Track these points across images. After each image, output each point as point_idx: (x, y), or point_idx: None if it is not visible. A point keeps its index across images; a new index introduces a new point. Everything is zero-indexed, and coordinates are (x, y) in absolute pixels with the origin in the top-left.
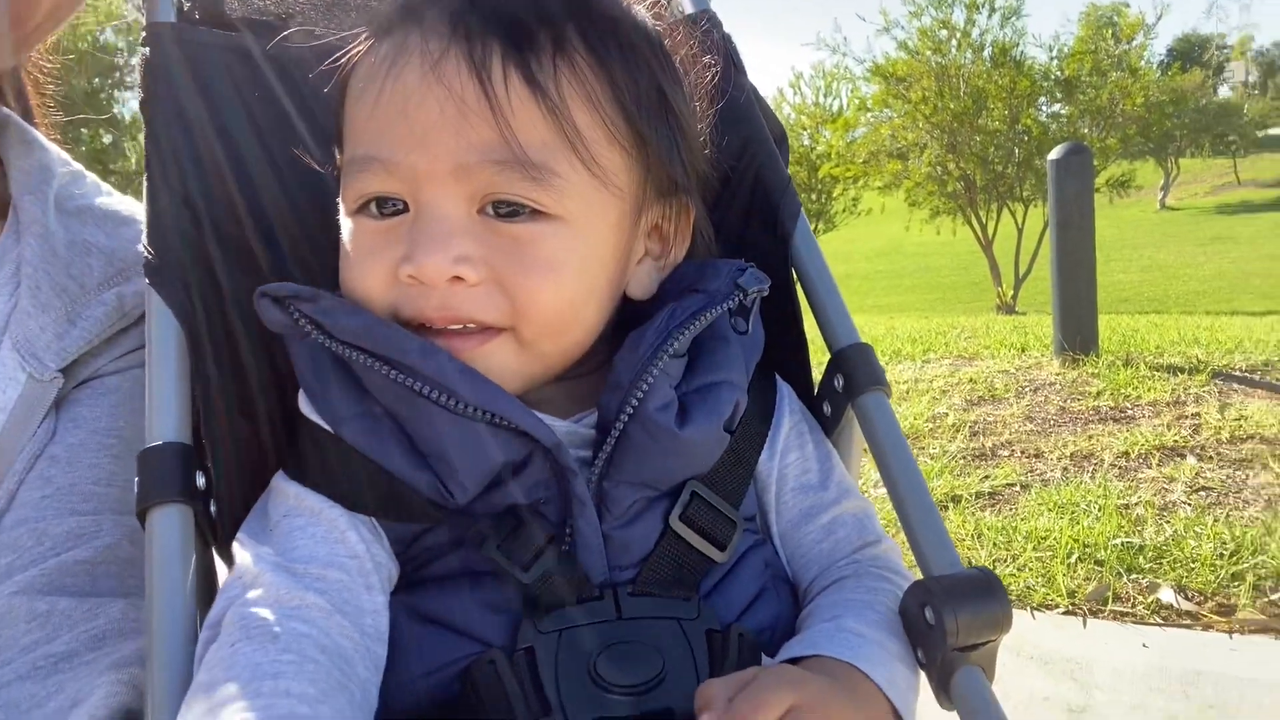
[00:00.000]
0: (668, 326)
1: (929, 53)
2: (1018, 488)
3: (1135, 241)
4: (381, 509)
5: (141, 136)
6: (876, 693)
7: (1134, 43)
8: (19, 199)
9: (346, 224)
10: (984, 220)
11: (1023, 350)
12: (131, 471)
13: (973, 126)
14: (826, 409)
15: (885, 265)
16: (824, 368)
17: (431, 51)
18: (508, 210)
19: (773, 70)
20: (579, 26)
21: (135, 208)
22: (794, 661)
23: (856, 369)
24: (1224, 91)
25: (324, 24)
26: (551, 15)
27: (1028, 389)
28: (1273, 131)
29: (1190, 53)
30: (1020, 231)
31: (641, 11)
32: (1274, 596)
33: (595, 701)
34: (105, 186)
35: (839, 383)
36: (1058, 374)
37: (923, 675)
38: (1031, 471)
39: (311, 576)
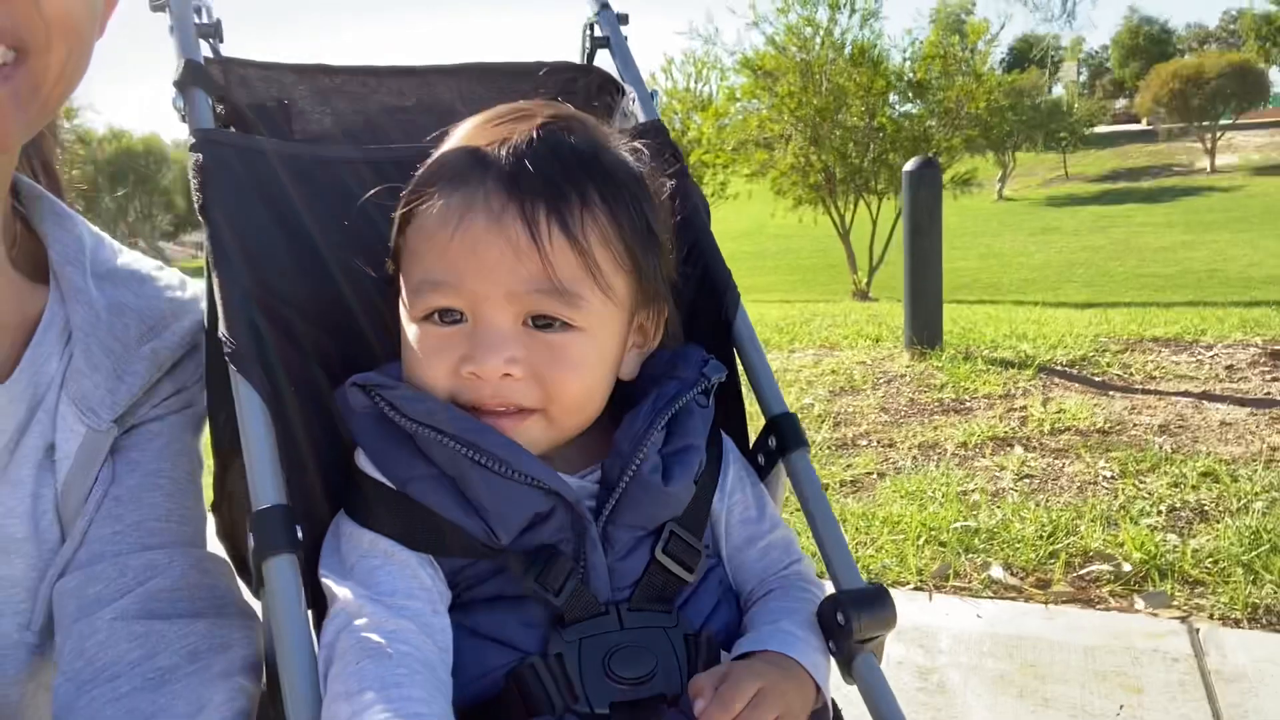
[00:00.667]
0: (654, 408)
1: (795, 49)
2: (875, 476)
3: (975, 230)
4: (440, 548)
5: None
6: (807, 676)
7: (979, 48)
8: (60, 269)
9: (412, 327)
10: (842, 211)
11: (877, 341)
12: (182, 507)
13: (833, 121)
14: (761, 459)
15: (750, 246)
16: (760, 429)
17: (494, 208)
18: (544, 323)
19: (643, 53)
20: (595, 184)
21: (148, 264)
22: (747, 655)
23: (786, 434)
24: (1057, 90)
25: (319, 108)
26: (576, 177)
27: (882, 381)
28: (1099, 130)
29: (1028, 52)
30: (874, 223)
31: (628, 154)
32: (1083, 571)
33: (609, 691)
34: (117, 245)
35: (772, 443)
36: (908, 366)
37: (833, 661)
38: (886, 460)
39: (398, 606)
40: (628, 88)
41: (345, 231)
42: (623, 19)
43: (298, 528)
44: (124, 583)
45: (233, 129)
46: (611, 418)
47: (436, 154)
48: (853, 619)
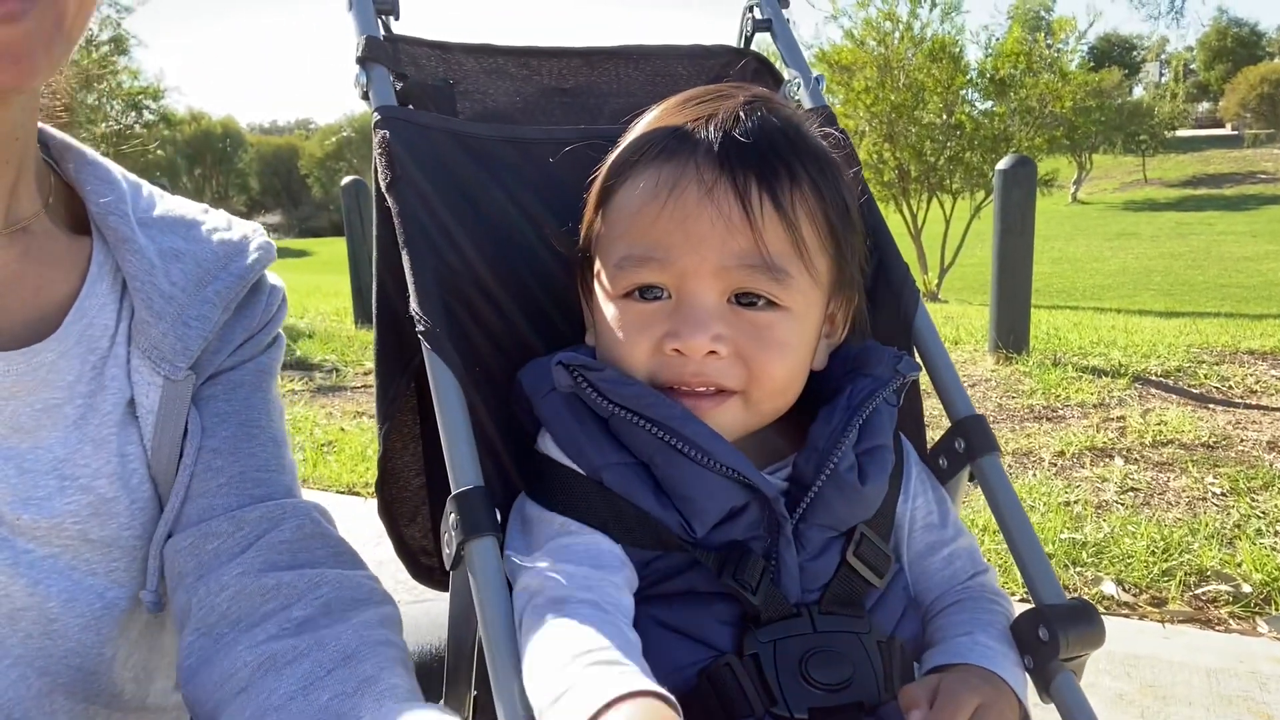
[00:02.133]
0: (850, 404)
1: (873, 43)
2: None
3: (1047, 234)
4: (632, 538)
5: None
6: (1011, 693)
7: (1065, 45)
8: (103, 220)
9: (610, 306)
10: (914, 209)
11: (956, 343)
12: (279, 456)
13: (910, 118)
14: (942, 463)
15: None
16: (944, 431)
17: (706, 181)
18: (748, 301)
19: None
20: (800, 162)
21: (192, 208)
22: (940, 668)
23: (975, 436)
24: (1138, 91)
25: (483, 88)
26: (784, 154)
27: (967, 384)
28: (1181, 133)
29: (1111, 52)
30: (948, 223)
31: (819, 137)
32: (1199, 591)
33: (807, 696)
34: (155, 190)
35: (959, 445)
36: (993, 370)
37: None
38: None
39: (592, 581)
40: (790, 73)
41: (527, 211)
42: (784, 1)
43: (496, 510)
44: (242, 536)
45: (410, 107)
46: (793, 415)
47: (634, 134)
48: (1059, 635)
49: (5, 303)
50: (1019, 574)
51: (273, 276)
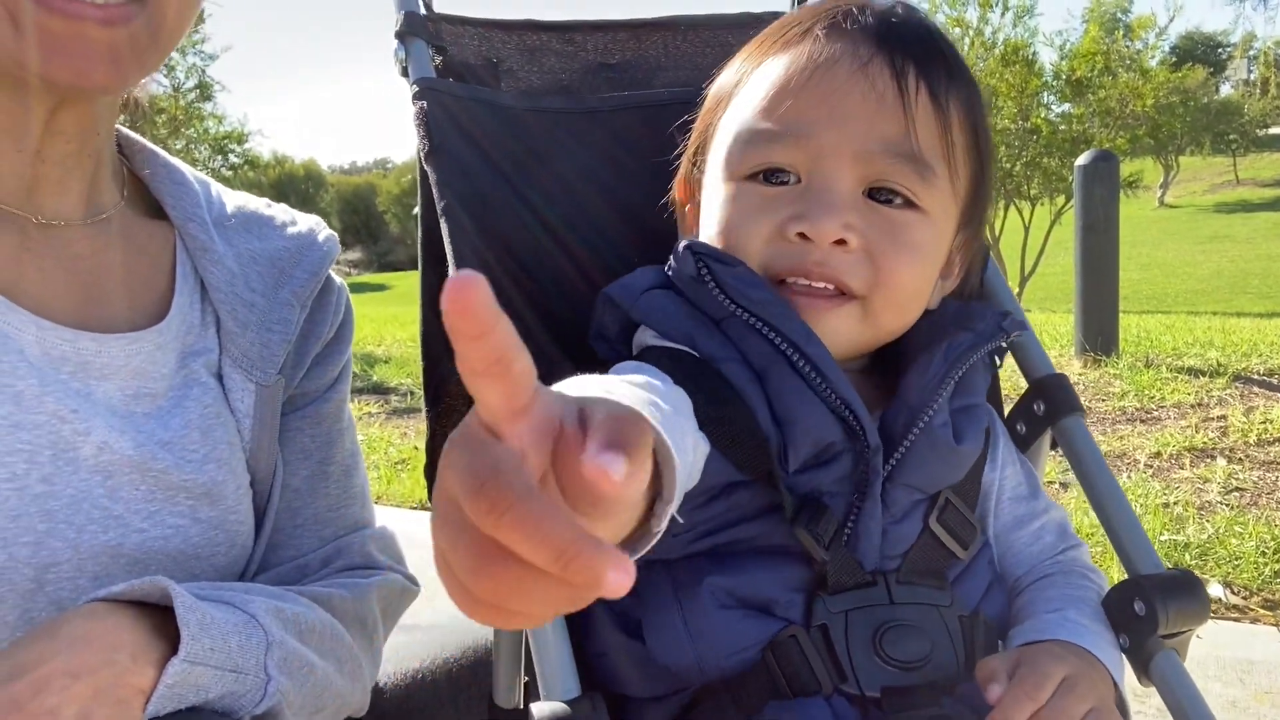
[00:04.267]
0: (947, 358)
1: None
2: (1058, 486)
3: (1134, 239)
4: (727, 441)
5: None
6: (1106, 672)
7: (1145, 42)
8: (183, 226)
9: (726, 187)
10: (991, 218)
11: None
12: (350, 488)
13: None
14: (1021, 428)
15: None
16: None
17: (861, 56)
18: (884, 198)
19: None
20: (958, 68)
21: (258, 203)
22: (1028, 645)
23: (1057, 396)
24: (1225, 89)
25: (526, 66)
26: (941, 48)
27: None
28: (1273, 130)
29: (1194, 50)
30: (1027, 230)
31: None
32: None
33: (880, 673)
34: (221, 187)
35: (1039, 408)
36: (1080, 374)
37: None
38: (1069, 470)
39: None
40: None
41: (561, 181)
42: None
43: None
44: (309, 579)
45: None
46: (884, 374)
47: (760, 35)
48: (1158, 609)
49: (96, 290)
50: (1110, 545)
51: (335, 275)
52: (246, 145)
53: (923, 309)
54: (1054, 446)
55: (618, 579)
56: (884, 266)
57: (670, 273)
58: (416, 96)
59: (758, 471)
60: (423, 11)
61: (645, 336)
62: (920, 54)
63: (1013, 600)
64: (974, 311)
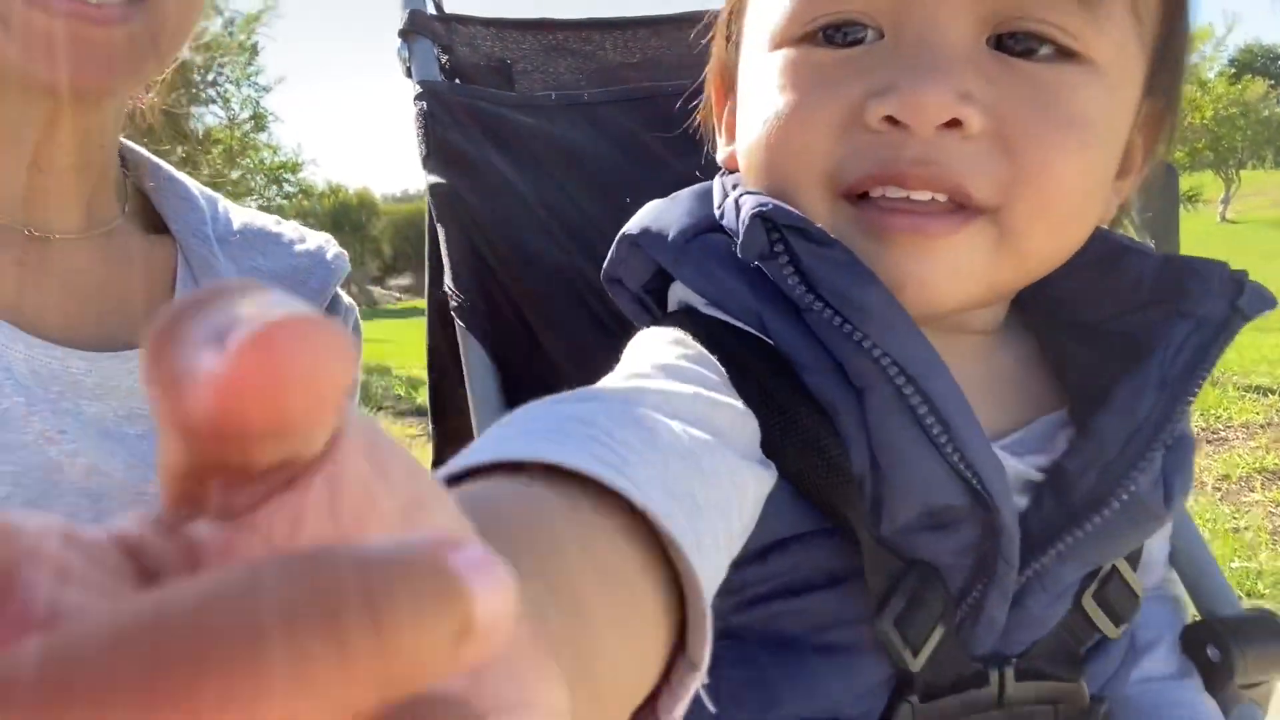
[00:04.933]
0: (1164, 376)
1: None
2: None
3: (1195, 254)
4: (799, 463)
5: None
6: None
7: (1202, 55)
8: (185, 241)
9: (774, 59)
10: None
11: None
12: None
13: None
14: None
15: None
16: None
17: None
18: (1023, 47)
19: None
20: None
21: (266, 219)
22: None
23: None
24: None
25: (542, 67)
26: None
27: None
28: None
29: (1253, 63)
30: None
31: None
32: None
33: None
34: (229, 203)
35: None
36: None
37: None
38: None
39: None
40: None
41: (576, 186)
42: None
43: None
44: None
45: (458, 82)
46: (1037, 334)
47: None
48: (1235, 655)
49: (92, 306)
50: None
51: (344, 294)
52: (301, 175)
53: (1091, 228)
54: None
55: (493, 596)
56: (1030, 155)
57: (721, 219)
58: (418, 98)
59: (838, 518)
60: (431, 11)
61: (697, 302)
62: None
63: None
64: (1188, 278)
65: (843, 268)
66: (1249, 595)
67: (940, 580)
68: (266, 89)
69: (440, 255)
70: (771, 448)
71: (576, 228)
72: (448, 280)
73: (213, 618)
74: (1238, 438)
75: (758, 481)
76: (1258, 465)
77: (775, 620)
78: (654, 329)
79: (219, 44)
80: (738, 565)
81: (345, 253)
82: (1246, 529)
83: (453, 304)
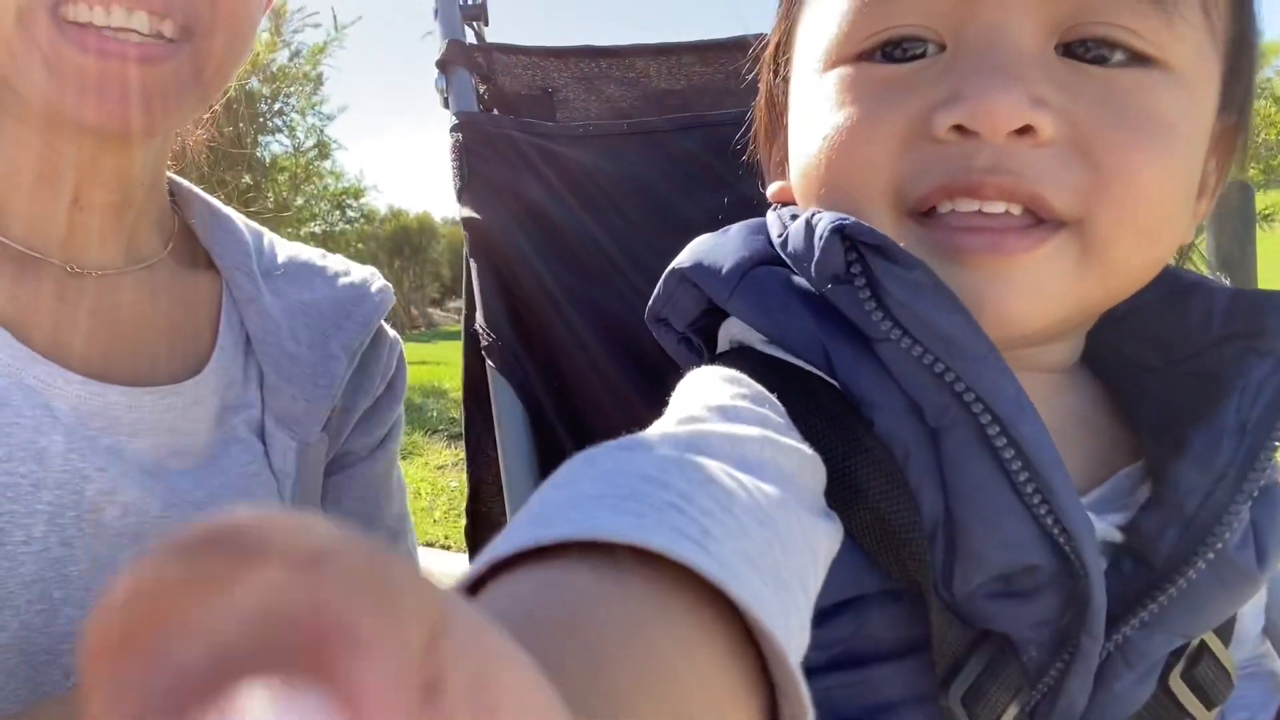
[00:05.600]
0: (1242, 423)
1: None
2: None
3: (1274, 277)
4: (860, 526)
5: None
6: None
7: (1275, 69)
8: (230, 275)
9: (829, 79)
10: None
11: None
12: (399, 551)
13: None
14: None
15: None
16: None
17: None
18: (1096, 54)
19: None
20: None
21: (312, 253)
22: None
23: None
24: None
25: (584, 96)
26: None
27: None
28: None
29: None
30: None
31: None
32: None
33: None
34: (275, 238)
35: None
36: None
37: None
38: None
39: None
40: None
41: (612, 217)
42: None
43: None
44: None
45: (495, 113)
46: (1108, 379)
47: None
48: None
49: (133, 342)
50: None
51: (389, 328)
52: (363, 200)
53: (1178, 243)
54: None
55: None
56: (1110, 162)
57: (782, 249)
58: (454, 129)
59: (905, 578)
60: (471, 40)
61: (754, 339)
62: None
63: None
64: (1265, 309)
65: (927, 292)
66: None
67: (1015, 655)
68: (330, 117)
69: (474, 291)
70: (834, 497)
71: (615, 264)
72: (479, 318)
73: None
74: None
75: (828, 538)
76: None
77: (830, 696)
78: (705, 368)
79: (285, 74)
80: (828, 621)
81: (389, 286)
82: None
83: (483, 343)
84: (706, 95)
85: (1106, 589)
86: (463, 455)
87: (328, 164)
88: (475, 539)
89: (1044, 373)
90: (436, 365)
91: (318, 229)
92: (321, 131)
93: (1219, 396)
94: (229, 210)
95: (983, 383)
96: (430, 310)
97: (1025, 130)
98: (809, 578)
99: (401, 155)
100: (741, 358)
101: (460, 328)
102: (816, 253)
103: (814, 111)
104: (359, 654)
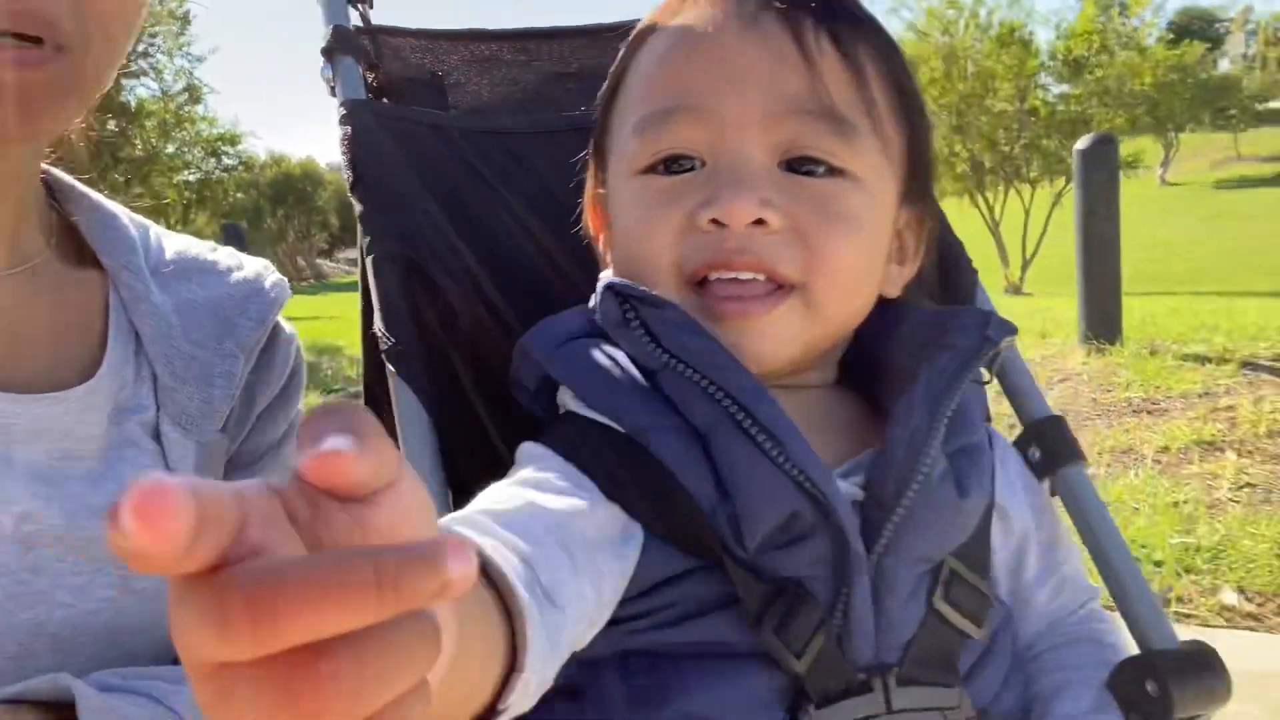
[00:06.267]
0: (930, 391)
1: (937, 33)
2: None
3: (1136, 218)
4: (666, 525)
5: (149, 123)
6: None
7: (1141, 20)
8: (116, 274)
9: (629, 186)
10: (991, 202)
11: (1044, 336)
12: None
13: (980, 107)
14: None
15: None
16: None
17: (748, 11)
18: (805, 169)
19: None
20: (867, 19)
21: (200, 247)
22: None
23: (1055, 442)
24: (1223, 65)
25: (475, 79)
26: (845, 3)
27: (1056, 379)
28: (1272, 105)
29: (1190, 26)
30: (1027, 213)
31: None
32: None
33: None
34: (160, 230)
35: (1035, 454)
36: (1084, 363)
37: None
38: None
39: (559, 519)
40: None
41: (511, 207)
42: None
43: None
44: None
45: (385, 101)
46: (860, 391)
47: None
48: (1173, 691)
49: (23, 346)
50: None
51: (286, 323)
52: (240, 146)
53: (874, 297)
54: (1052, 494)
55: (461, 566)
56: (817, 243)
57: (597, 317)
58: (342, 121)
59: (705, 553)
60: (356, 24)
61: (567, 397)
62: (815, 6)
63: (1029, 666)
64: (949, 320)
65: (679, 324)
66: (1188, 571)
67: (810, 593)
68: (200, 59)
69: (370, 291)
70: (641, 515)
71: (522, 252)
72: (378, 322)
73: (337, 563)
74: (1176, 408)
75: (618, 560)
76: (1195, 437)
77: (670, 640)
78: (533, 447)
79: (149, 14)
80: (630, 600)
81: (285, 280)
82: (1185, 502)
83: (383, 347)
84: (600, 78)
85: (861, 532)
86: None
87: (200, 109)
88: None
89: (806, 389)
90: (329, 320)
91: (192, 177)
92: (191, 74)
93: (915, 379)
94: (114, 206)
95: (726, 380)
96: (319, 261)
97: (759, 222)
98: (602, 581)
99: (282, 98)
100: (567, 422)
101: (353, 279)
102: (600, 305)
103: (622, 212)
104: None
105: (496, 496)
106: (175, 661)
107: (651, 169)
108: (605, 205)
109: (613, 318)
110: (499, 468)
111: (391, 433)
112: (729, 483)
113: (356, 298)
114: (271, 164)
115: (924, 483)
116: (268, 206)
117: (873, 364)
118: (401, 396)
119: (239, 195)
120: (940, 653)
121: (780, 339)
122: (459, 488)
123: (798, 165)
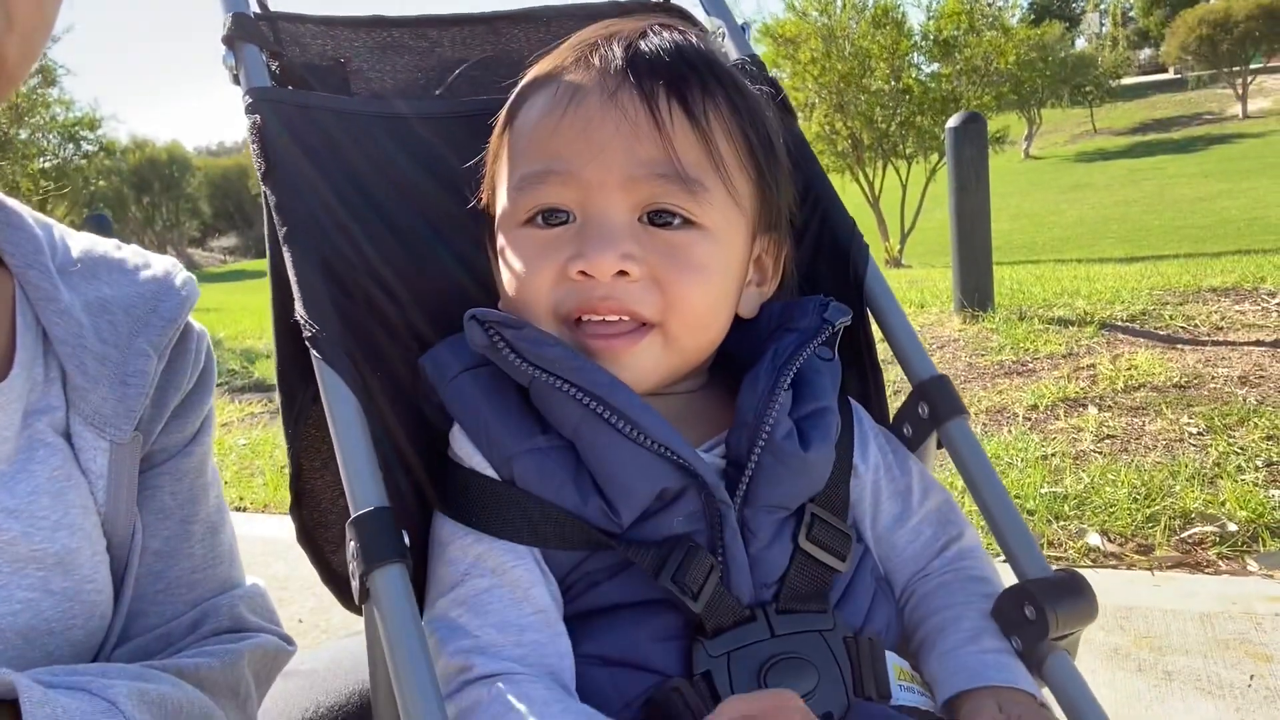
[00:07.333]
0: (775, 366)
1: (815, 14)
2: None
3: (1003, 191)
4: (551, 539)
5: None
6: (1039, 703)
7: (1005, 2)
8: (22, 273)
9: (513, 237)
10: (870, 178)
11: (922, 306)
12: (217, 546)
13: (858, 86)
14: (907, 430)
15: None
16: (906, 396)
17: (609, 86)
18: (662, 220)
19: None
20: (714, 75)
21: (106, 245)
22: (966, 693)
23: (940, 399)
24: (1080, 43)
25: (378, 66)
26: (695, 64)
27: (935, 346)
28: (1125, 81)
29: (1050, 6)
30: (904, 188)
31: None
32: (1185, 535)
33: None
34: (64, 229)
35: (923, 410)
36: (960, 330)
37: None
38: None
39: (512, 645)
40: (714, 22)
41: (425, 194)
42: None
43: (403, 532)
44: (169, 649)
45: (290, 89)
46: (729, 388)
47: (534, 63)
48: (1048, 613)
49: None
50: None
51: (194, 321)
52: (100, 131)
53: (727, 324)
54: (939, 446)
55: None
56: (671, 289)
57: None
58: (249, 110)
59: (595, 543)
60: (255, 11)
61: (456, 431)
62: (669, 74)
63: (905, 606)
64: (794, 308)
65: (534, 338)
66: (1057, 518)
67: (697, 545)
68: (54, 39)
69: (280, 271)
70: (532, 542)
71: (439, 236)
72: (299, 308)
73: None
74: (1043, 368)
75: (551, 583)
76: (1061, 394)
77: (597, 603)
78: (445, 526)
79: None
80: (568, 581)
81: (194, 278)
82: (1053, 455)
83: (306, 334)
84: (501, 64)
85: (726, 490)
86: (249, 411)
87: (55, 91)
88: (301, 515)
89: (679, 395)
90: (207, 312)
91: (48, 164)
92: (44, 55)
93: (762, 358)
94: (15, 204)
95: (585, 380)
96: (191, 251)
97: (622, 273)
98: (556, 616)
99: (143, 79)
100: (454, 475)
101: (228, 268)
102: (469, 334)
103: (506, 259)
104: None
105: (500, 624)
106: (94, 660)
107: (531, 221)
108: (495, 249)
109: (480, 342)
110: (433, 439)
111: (309, 418)
112: (599, 471)
113: (234, 288)
114: (135, 149)
115: (769, 440)
116: (132, 194)
117: (737, 363)
118: (328, 381)
119: (100, 183)
120: (811, 585)
121: (644, 369)
122: (404, 467)
123: (656, 218)
